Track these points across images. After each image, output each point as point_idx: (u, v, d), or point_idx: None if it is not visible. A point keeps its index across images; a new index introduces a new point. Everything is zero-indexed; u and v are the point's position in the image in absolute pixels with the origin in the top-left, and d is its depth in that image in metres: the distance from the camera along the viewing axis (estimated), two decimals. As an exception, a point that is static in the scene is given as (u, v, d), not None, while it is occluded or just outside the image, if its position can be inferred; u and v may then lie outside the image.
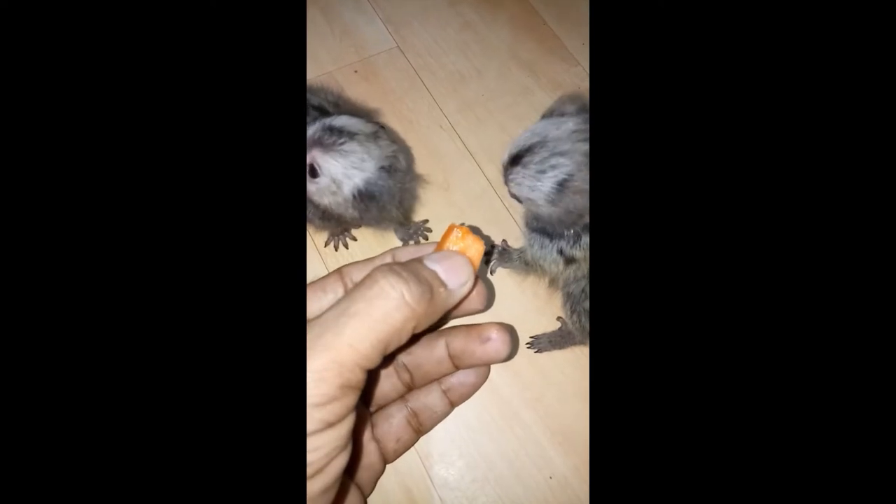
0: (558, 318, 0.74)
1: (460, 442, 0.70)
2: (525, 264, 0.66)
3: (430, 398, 0.49)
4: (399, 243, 0.79)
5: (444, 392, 0.48)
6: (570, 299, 0.64)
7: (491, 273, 0.77)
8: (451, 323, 0.49)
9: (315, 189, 0.60)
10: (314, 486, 0.30)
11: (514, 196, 0.58)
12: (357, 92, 0.87)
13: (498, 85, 0.92)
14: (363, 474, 0.47)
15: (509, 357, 0.65)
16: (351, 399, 0.31)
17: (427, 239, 0.79)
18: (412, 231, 0.79)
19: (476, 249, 0.39)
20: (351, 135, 0.59)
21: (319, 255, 0.79)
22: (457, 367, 0.47)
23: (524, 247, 0.66)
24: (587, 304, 0.61)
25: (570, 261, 0.59)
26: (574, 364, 0.73)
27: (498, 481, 0.68)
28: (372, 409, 0.50)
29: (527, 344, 0.73)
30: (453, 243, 0.39)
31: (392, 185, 0.61)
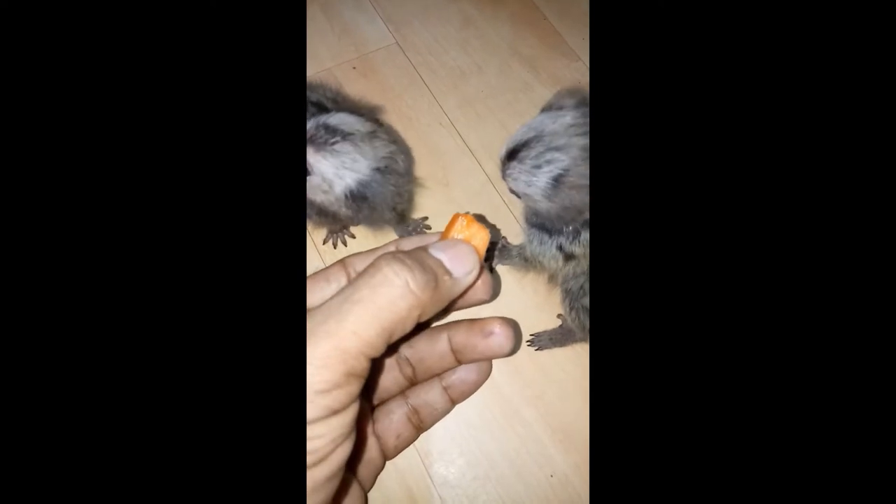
0: (558, 316, 0.74)
1: (461, 440, 0.69)
2: (524, 261, 0.66)
3: (430, 395, 0.48)
4: (399, 241, 0.79)
5: (445, 389, 0.48)
6: (568, 296, 0.63)
7: (491, 270, 0.76)
8: (454, 316, 0.49)
9: (307, 187, 0.60)
10: (318, 474, 0.30)
11: (512, 191, 0.57)
12: (356, 89, 0.86)
13: (498, 81, 0.92)
14: (363, 469, 0.47)
15: (512, 352, 0.65)
16: (355, 387, 0.31)
17: (426, 236, 0.79)
18: (411, 229, 0.79)
19: (481, 238, 0.38)
20: (345, 134, 0.58)
21: (318, 253, 0.79)
22: (459, 362, 0.47)
23: (523, 243, 0.66)
24: (586, 301, 0.61)
25: (569, 257, 0.59)
26: (575, 361, 0.73)
27: (498, 479, 0.68)
28: (373, 403, 0.49)
29: (527, 341, 0.73)
30: (458, 232, 0.38)
31: (386, 187, 0.60)
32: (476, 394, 0.70)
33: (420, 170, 0.82)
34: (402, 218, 0.74)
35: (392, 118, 0.87)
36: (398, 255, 0.33)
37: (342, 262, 0.42)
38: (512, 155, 0.55)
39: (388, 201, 0.62)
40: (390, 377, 0.48)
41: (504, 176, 0.56)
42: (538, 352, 0.73)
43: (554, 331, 0.73)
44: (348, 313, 0.30)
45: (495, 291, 0.73)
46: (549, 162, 0.52)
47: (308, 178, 0.59)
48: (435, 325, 0.49)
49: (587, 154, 0.51)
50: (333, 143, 0.57)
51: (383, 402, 0.50)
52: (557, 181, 0.52)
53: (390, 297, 0.31)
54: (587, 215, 0.55)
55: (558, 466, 0.68)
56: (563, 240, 0.58)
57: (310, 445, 0.29)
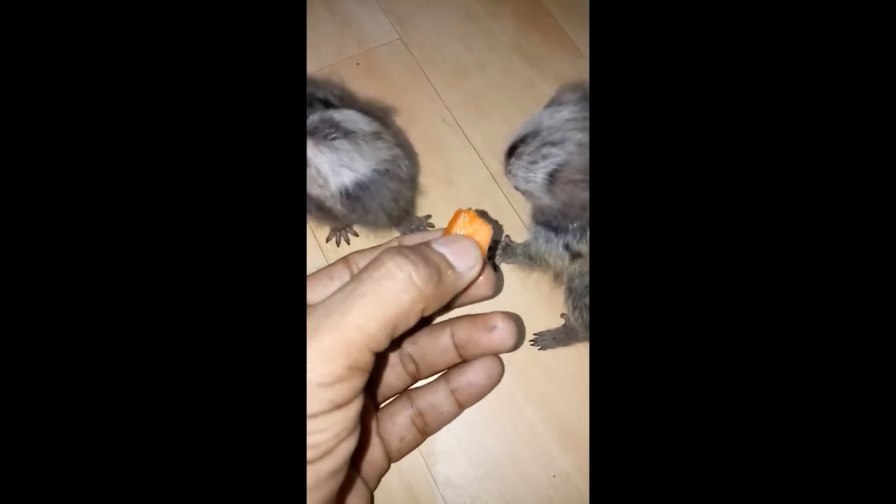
0: (562, 315, 0.73)
1: (463, 440, 0.69)
2: (529, 259, 0.65)
3: (436, 397, 0.48)
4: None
5: (452, 392, 0.47)
6: (572, 295, 0.63)
7: (495, 269, 0.76)
8: (458, 312, 0.48)
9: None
10: (323, 468, 0.29)
11: (516, 188, 0.57)
12: (359, 85, 0.85)
13: (501, 78, 0.91)
14: (367, 469, 0.47)
15: (515, 347, 0.64)
16: (358, 381, 0.30)
17: (430, 236, 0.78)
18: (414, 227, 0.78)
19: (484, 233, 0.38)
20: (346, 132, 0.56)
21: (321, 250, 0.78)
22: (462, 358, 0.47)
23: (528, 241, 0.65)
24: (588, 300, 0.60)
25: (575, 256, 0.58)
26: (578, 361, 0.72)
27: (501, 480, 0.67)
28: (378, 402, 0.49)
29: (530, 341, 0.72)
30: (461, 227, 0.38)
31: (383, 191, 0.59)
32: (479, 394, 0.70)
33: (423, 166, 0.81)
34: (397, 222, 0.72)
35: (394, 114, 0.86)
36: (401, 250, 0.33)
37: (345, 259, 0.42)
38: (511, 151, 0.54)
39: (384, 205, 0.60)
40: (393, 374, 0.48)
41: (506, 172, 0.56)
42: (541, 351, 0.72)
43: (557, 330, 0.72)
44: (352, 307, 0.30)
45: (498, 287, 0.72)
46: (545, 157, 0.52)
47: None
48: (438, 321, 0.49)
49: (584, 149, 0.51)
50: (333, 139, 0.56)
51: (388, 403, 0.50)
52: (553, 176, 0.52)
53: (394, 290, 0.31)
54: None
55: (561, 467, 0.68)
56: (569, 238, 0.57)
57: (313, 439, 0.28)
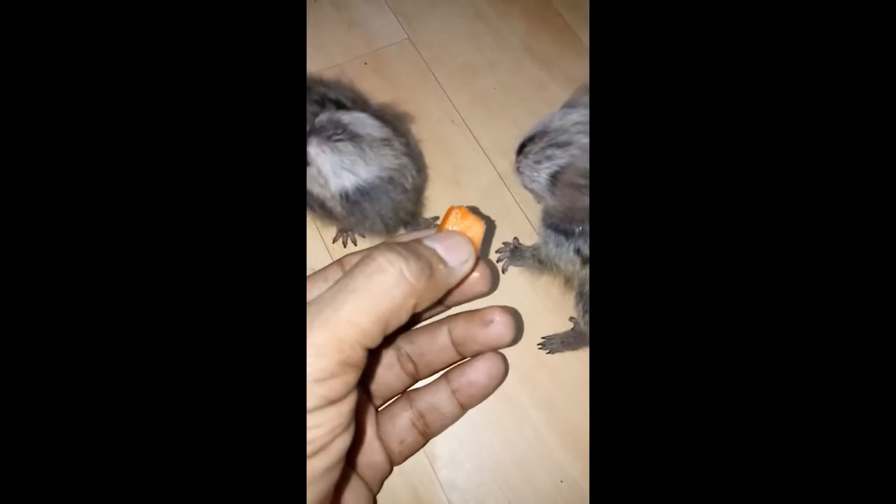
0: (570, 319, 0.72)
1: (469, 444, 0.68)
2: (539, 262, 0.64)
3: (436, 398, 0.47)
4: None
5: (453, 393, 0.47)
6: (582, 299, 0.62)
7: (503, 272, 0.75)
8: (456, 310, 0.48)
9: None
10: (317, 465, 0.29)
11: (525, 188, 0.57)
12: (367, 84, 0.85)
13: (510, 78, 0.90)
14: (368, 472, 0.46)
15: (514, 342, 0.63)
16: (351, 377, 0.30)
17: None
18: (421, 229, 0.77)
19: (476, 229, 0.39)
20: (352, 134, 0.56)
21: (328, 251, 0.78)
22: (461, 355, 0.46)
23: (538, 244, 0.65)
24: None
25: (587, 261, 0.57)
26: (585, 365, 0.72)
27: (507, 484, 0.67)
28: (377, 403, 0.48)
29: (538, 345, 0.72)
30: (453, 224, 0.39)
31: (383, 199, 0.58)
32: (486, 397, 0.70)
33: (431, 167, 0.81)
34: (394, 232, 0.71)
35: (410, 121, 0.85)
36: (392, 245, 0.33)
37: (339, 261, 0.42)
38: (521, 149, 0.54)
39: (381, 213, 0.60)
40: (392, 374, 0.47)
41: (516, 170, 0.56)
42: (549, 355, 0.72)
43: (566, 334, 0.71)
44: (343, 303, 0.30)
45: (494, 284, 0.71)
46: (549, 158, 0.52)
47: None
48: (435, 319, 0.49)
49: (587, 153, 0.50)
50: (337, 140, 0.55)
51: (388, 405, 0.49)
52: (555, 178, 0.51)
53: (385, 285, 0.31)
54: None
55: (568, 472, 0.67)
56: (580, 242, 0.57)
57: (307, 435, 0.28)
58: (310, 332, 0.29)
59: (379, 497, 0.64)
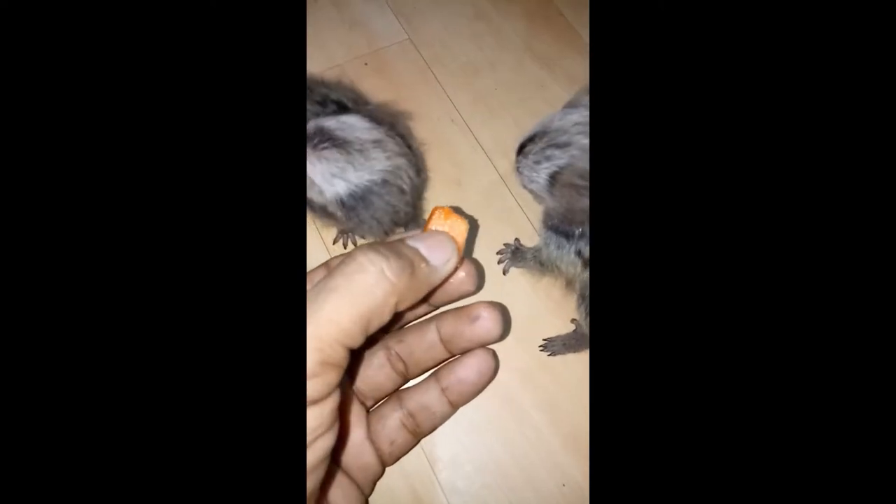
0: (572, 321, 0.72)
1: (470, 446, 0.68)
2: (540, 264, 0.64)
3: (426, 397, 0.47)
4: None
5: (443, 391, 0.47)
6: (584, 302, 0.62)
7: (504, 273, 0.75)
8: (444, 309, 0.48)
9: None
10: None
11: (524, 188, 0.56)
12: (368, 85, 0.84)
13: (512, 78, 0.90)
14: (359, 474, 0.46)
15: (502, 337, 0.63)
16: (332, 377, 0.30)
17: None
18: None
19: (460, 228, 0.39)
20: (338, 140, 0.55)
21: (328, 252, 0.78)
22: (450, 353, 0.46)
23: (539, 246, 0.64)
24: None
25: (588, 263, 0.57)
26: (587, 367, 0.71)
27: (509, 487, 0.66)
28: (368, 404, 0.48)
29: (540, 347, 0.71)
30: (437, 224, 0.39)
31: (378, 202, 0.57)
32: (486, 400, 0.69)
33: (431, 167, 0.80)
34: (388, 234, 0.71)
35: (408, 119, 0.85)
36: (373, 245, 0.33)
37: (326, 263, 0.42)
38: (520, 149, 0.54)
39: (377, 216, 0.59)
40: (382, 373, 0.47)
41: (516, 170, 0.55)
42: (551, 357, 0.71)
43: (567, 336, 0.71)
44: (324, 302, 0.30)
45: (480, 283, 0.71)
46: (548, 158, 0.51)
47: None
48: (423, 318, 0.49)
49: (588, 154, 0.50)
50: (323, 149, 0.55)
51: (378, 406, 0.49)
52: (554, 178, 0.51)
53: (365, 284, 0.31)
54: None
55: (570, 475, 0.67)
56: (581, 244, 0.56)
57: None
58: None
59: (379, 499, 0.64)
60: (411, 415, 0.47)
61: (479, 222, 0.79)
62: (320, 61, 0.89)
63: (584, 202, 0.51)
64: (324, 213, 0.64)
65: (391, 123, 0.63)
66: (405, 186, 0.58)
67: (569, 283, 0.64)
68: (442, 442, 0.68)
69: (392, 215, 0.60)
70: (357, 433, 0.46)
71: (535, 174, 0.53)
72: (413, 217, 0.71)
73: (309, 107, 0.65)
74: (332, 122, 0.56)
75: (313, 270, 0.42)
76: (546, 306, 0.74)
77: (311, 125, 0.56)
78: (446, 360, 0.47)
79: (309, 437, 0.30)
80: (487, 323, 0.42)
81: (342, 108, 0.64)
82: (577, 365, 0.71)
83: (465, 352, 0.45)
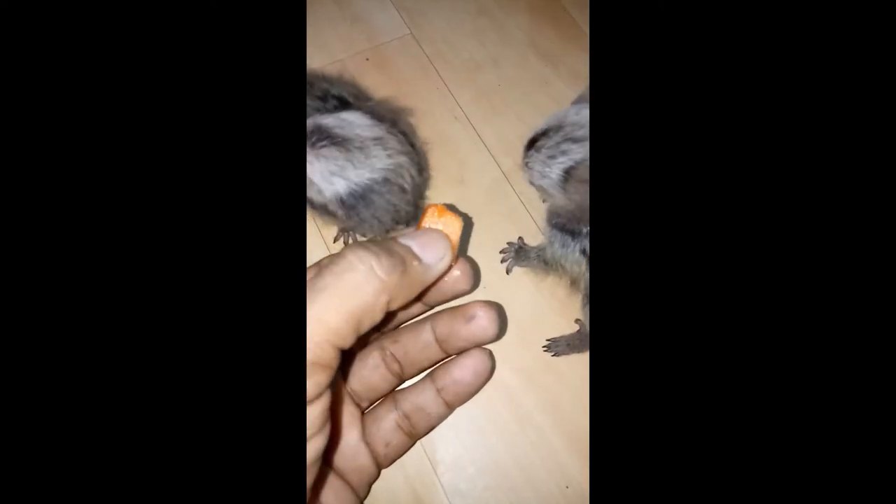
0: (577, 321, 0.71)
1: (472, 448, 0.67)
2: (544, 263, 0.63)
3: (421, 398, 0.47)
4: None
5: (439, 392, 0.46)
6: (589, 301, 0.61)
7: (508, 272, 0.74)
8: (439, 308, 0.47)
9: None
10: None
11: (532, 184, 0.55)
12: (369, 80, 0.83)
13: (515, 74, 0.89)
14: (354, 476, 0.46)
15: (498, 337, 0.62)
16: (322, 378, 0.30)
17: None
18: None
19: (453, 226, 0.39)
20: (336, 139, 0.54)
21: (328, 250, 0.77)
22: (446, 353, 0.45)
23: (543, 244, 0.63)
24: None
25: (594, 262, 0.56)
26: (592, 368, 0.70)
27: (511, 489, 0.65)
28: (363, 405, 0.48)
29: (543, 347, 0.70)
30: (430, 222, 0.39)
31: (378, 201, 0.56)
32: (489, 401, 0.68)
33: (433, 164, 0.79)
34: (388, 232, 0.70)
35: (410, 116, 0.84)
36: (364, 244, 0.33)
37: (318, 264, 0.42)
38: (531, 144, 0.53)
39: (377, 215, 0.58)
40: (378, 374, 0.47)
41: (523, 165, 0.54)
42: (554, 357, 0.70)
43: (571, 336, 0.70)
44: (313, 301, 0.30)
45: (476, 281, 0.70)
46: (563, 153, 0.50)
47: None
48: (418, 318, 0.48)
49: None
50: (321, 147, 0.53)
51: (373, 408, 0.49)
52: (569, 173, 0.50)
53: (355, 282, 0.31)
54: None
55: (574, 477, 0.66)
56: (586, 243, 0.55)
57: None
58: None
59: (381, 502, 0.63)
60: (406, 416, 0.47)
61: (482, 221, 0.77)
62: (321, 56, 0.88)
63: None
64: (324, 211, 0.63)
65: (393, 120, 0.61)
66: (406, 185, 0.57)
67: (573, 283, 0.63)
68: (444, 444, 0.67)
69: (393, 214, 0.59)
70: (352, 435, 0.45)
71: (547, 169, 0.52)
72: (415, 216, 0.70)
73: (309, 102, 0.64)
74: (330, 120, 0.55)
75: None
76: (550, 306, 0.73)
77: (310, 123, 0.55)
78: (442, 360, 0.47)
79: None
80: (483, 322, 0.42)
81: (343, 104, 0.63)
82: (581, 366, 0.70)
83: (460, 352, 0.45)
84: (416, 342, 0.45)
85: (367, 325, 0.32)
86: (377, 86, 0.82)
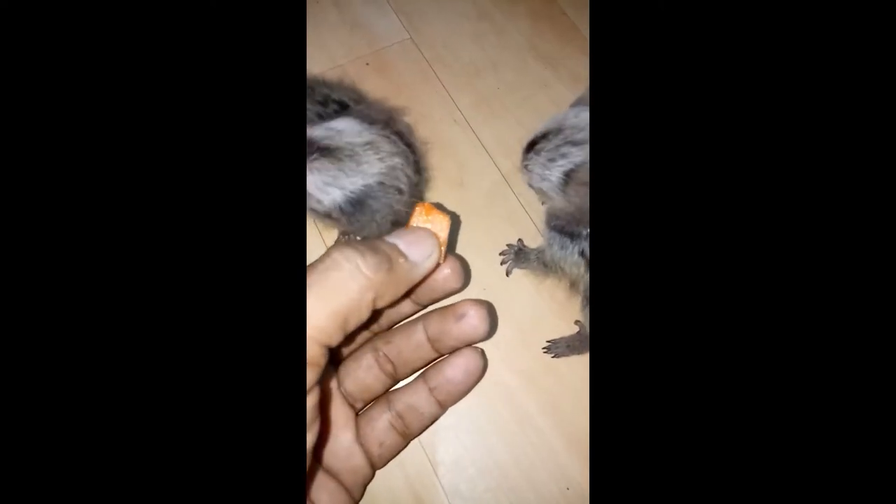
0: (576, 322, 0.71)
1: (473, 449, 0.67)
2: (543, 265, 0.63)
3: (414, 398, 0.47)
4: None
5: (431, 391, 0.46)
6: (589, 303, 0.61)
7: (507, 274, 0.74)
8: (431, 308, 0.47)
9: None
10: None
11: (531, 186, 0.55)
12: (369, 85, 0.84)
13: (515, 78, 0.89)
14: (348, 477, 0.46)
15: (489, 335, 0.62)
16: (310, 375, 0.30)
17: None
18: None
19: (441, 224, 0.39)
20: (325, 149, 0.54)
21: (329, 253, 0.77)
22: (438, 352, 0.46)
23: (542, 247, 0.63)
24: None
25: (592, 264, 0.56)
26: (592, 369, 0.71)
27: (512, 491, 0.65)
28: (357, 406, 0.48)
29: (543, 348, 0.71)
30: (418, 220, 0.39)
31: (377, 204, 0.56)
32: (489, 402, 0.69)
33: (433, 168, 0.80)
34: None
35: (405, 115, 0.84)
36: (350, 242, 0.33)
37: (310, 266, 0.42)
38: (531, 146, 0.53)
39: (376, 219, 0.58)
40: (371, 375, 0.47)
41: (522, 167, 0.55)
42: (554, 359, 0.70)
43: (571, 337, 0.70)
44: None
45: (466, 279, 0.70)
46: (563, 156, 0.51)
47: None
48: (410, 318, 0.48)
49: None
50: (313, 160, 0.54)
51: (366, 409, 0.49)
52: (569, 176, 0.50)
53: (339, 280, 0.31)
54: None
55: (574, 479, 0.66)
56: (585, 245, 0.56)
57: None
58: None
59: (380, 502, 0.64)
60: (400, 416, 0.47)
61: (482, 223, 0.78)
62: (321, 61, 0.88)
63: None
64: (327, 218, 0.63)
65: (385, 122, 0.62)
66: (403, 186, 0.58)
67: (573, 284, 0.63)
68: (444, 445, 0.67)
69: (392, 215, 0.60)
70: (346, 436, 0.46)
71: (547, 171, 0.52)
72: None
73: (310, 106, 0.64)
74: (319, 132, 0.55)
75: None
76: (550, 308, 0.73)
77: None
78: (435, 360, 0.47)
79: None
80: (473, 321, 0.42)
81: (343, 108, 0.64)
82: (581, 367, 0.71)
83: (452, 351, 0.45)
84: (409, 342, 0.46)
85: (353, 323, 0.32)
86: (377, 90, 0.83)
